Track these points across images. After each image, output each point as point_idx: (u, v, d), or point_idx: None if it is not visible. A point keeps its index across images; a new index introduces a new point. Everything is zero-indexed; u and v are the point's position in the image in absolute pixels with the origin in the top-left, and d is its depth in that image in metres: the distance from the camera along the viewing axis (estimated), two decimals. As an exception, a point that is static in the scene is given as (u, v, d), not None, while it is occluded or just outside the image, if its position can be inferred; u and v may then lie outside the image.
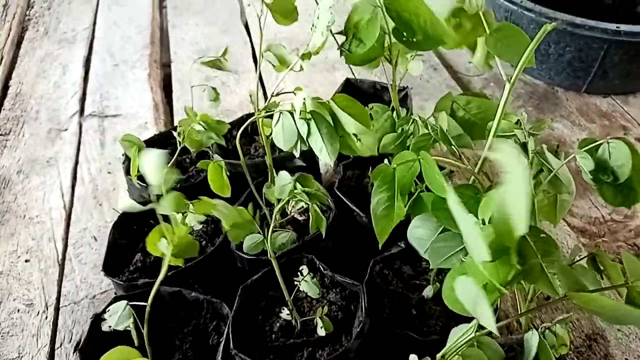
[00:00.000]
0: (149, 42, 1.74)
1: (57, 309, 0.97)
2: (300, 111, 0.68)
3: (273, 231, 0.88)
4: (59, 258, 1.06)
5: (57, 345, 0.92)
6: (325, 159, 0.65)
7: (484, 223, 0.48)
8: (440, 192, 0.55)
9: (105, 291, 1.00)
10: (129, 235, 0.92)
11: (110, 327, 0.62)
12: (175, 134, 0.81)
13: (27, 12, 1.99)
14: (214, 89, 0.93)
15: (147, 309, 0.66)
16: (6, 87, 1.59)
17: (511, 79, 0.54)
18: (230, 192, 0.91)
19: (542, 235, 0.50)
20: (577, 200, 1.16)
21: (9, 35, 1.82)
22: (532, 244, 0.50)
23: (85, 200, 1.19)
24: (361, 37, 0.69)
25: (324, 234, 0.74)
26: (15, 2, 2.02)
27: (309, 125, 0.67)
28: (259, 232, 0.70)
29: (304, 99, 0.68)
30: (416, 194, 0.65)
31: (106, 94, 1.53)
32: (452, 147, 0.63)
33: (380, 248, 0.59)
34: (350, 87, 1.23)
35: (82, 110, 1.47)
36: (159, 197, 0.71)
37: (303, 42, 1.65)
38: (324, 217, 0.70)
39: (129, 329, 0.65)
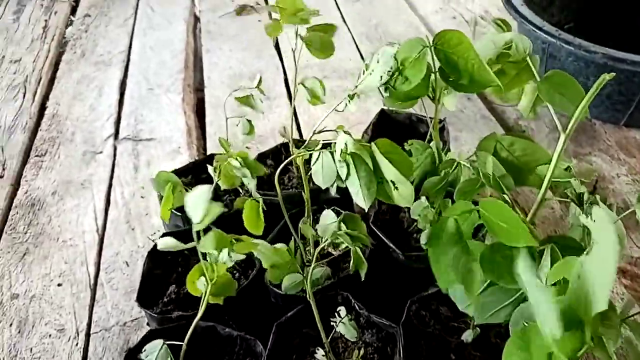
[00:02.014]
0: (183, 66, 1.76)
1: (87, 335, 0.97)
2: (341, 152, 0.67)
3: (308, 267, 0.87)
4: (90, 283, 1.06)
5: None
6: (360, 203, 0.64)
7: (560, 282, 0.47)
8: (510, 239, 0.53)
9: (136, 319, 0.99)
10: (163, 265, 0.91)
11: (147, 366, 0.61)
12: (210, 168, 0.80)
13: (65, 35, 2.04)
14: (249, 121, 0.93)
15: (183, 348, 0.65)
16: (43, 107, 1.63)
17: (566, 128, 0.52)
18: (264, 223, 0.90)
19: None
20: (618, 240, 1.12)
21: (47, 56, 1.87)
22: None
23: (118, 224, 1.20)
24: (407, 75, 0.68)
25: (363, 278, 0.72)
26: (54, 24, 2.08)
27: (348, 167, 0.67)
28: (299, 272, 0.68)
29: (347, 141, 0.67)
30: (463, 241, 0.63)
31: (140, 117, 1.55)
32: (504, 194, 0.61)
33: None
34: (385, 118, 1.22)
35: (116, 133, 1.49)
36: (198, 232, 0.71)
37: (334, 69, 1.66)
38: (365, 261, 0.69)
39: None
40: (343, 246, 0.73)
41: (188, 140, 1.45)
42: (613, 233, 0.33)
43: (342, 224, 0.67)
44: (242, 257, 0.71)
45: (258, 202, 0.74)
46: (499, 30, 0.72)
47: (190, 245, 0.70)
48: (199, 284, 0.65)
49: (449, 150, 1.22)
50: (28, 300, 1.04)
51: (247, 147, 1.43)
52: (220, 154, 0.89)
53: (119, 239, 1.16)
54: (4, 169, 1.38)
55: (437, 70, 0.69)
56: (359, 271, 0.84)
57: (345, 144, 0.68)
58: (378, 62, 0.72)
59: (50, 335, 0.97)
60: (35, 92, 1.68)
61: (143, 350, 0.64)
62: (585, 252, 0.35)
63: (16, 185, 1.33)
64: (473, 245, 0.62)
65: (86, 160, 1.40)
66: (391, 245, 0.90)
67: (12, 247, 1.16)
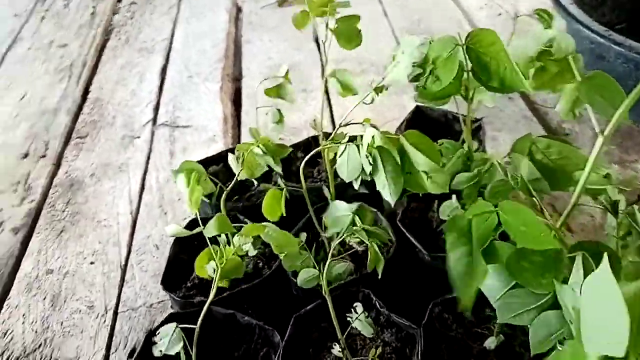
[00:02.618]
0: (223, 55, 1.78)
1: (115, 314, 1.00)
2: (368, 145, 0.66)
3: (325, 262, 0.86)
4: (121, 263, 1.09)
5: (112, 350, 0.94)
6: (387, 197, 0.62)
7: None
8: (531, 243, 0.51)
9: (162, 301, 1.01)
10: (190, 250, 0.93)
11: (161, 351, 0.62)
12: (231, 158, 0.81)
13: (112, 21, 2.09)
14: (278, 110, 0.93)
15: (196, 332, 0.66)
16: (87, 91, 1.68)
17: (604, 131, 0.50)
18: (289, 216, 0.90)
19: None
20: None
21: (93, 42, 1.92)
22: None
23: (151, 208, 1.22)
24: (438, 74, 0.66)
25: (380, 275, 0.71)
26: (102, 11, 2.13)
27: (374, 161, 0.65)
28: (314, 266, 0.68)
29: (374, 134, 0.66)
30: (488, 241, 0.61)
31: (179, 105, 1.57)
32: (534, 197, 0.59)
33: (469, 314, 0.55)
34: (419, 115, 1.20)
35: (155, 119, 1.52)
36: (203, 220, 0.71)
37: (372, 63, 1.64)
38: (382, 258, 0.68)
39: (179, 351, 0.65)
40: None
41: (224, 128, 1.46)
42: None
43: (356, 218, 0.66)
44: (251, 240, 0.71)
45: (281, 190, 0.73)
46: (542, 21, 0.69)
47: (196, 230, 0.71)
48: (208, 268, 0.66)
49: (484, 150, 1.19)
50: (62, 276, 1.08)
51: (280, 139, 1.44)
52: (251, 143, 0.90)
53: (151, 223, 1.18)
54: (46, 149, 1.44)
55: (469, 69, 0.67)
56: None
57: (372, 137, 0.67)
58: (403, 52, 0.71)
59: (80, 311, 1.00)
60: (80, 76, 1.73)
61: (157, 332, 0.65)
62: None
63: (57, 165, 1.38)
64: (500, 247, 0.60)
65: (124, 144, 1.43)
66: (417, 244, 0.88)
67: (50, 224, 1.20)
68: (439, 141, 0.81)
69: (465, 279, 0.50)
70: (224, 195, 0.82)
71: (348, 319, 0.73)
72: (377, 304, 0.80)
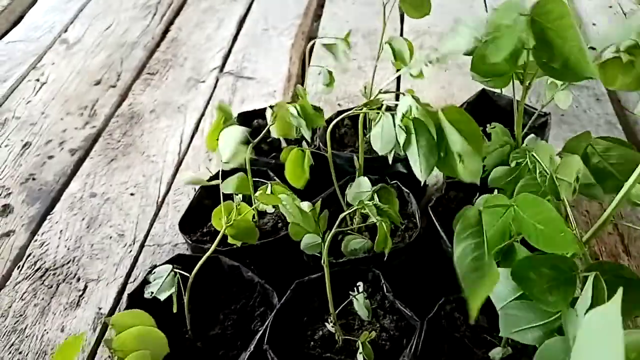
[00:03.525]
0: (302, 12, 1.75)
1: (142, 246, 1.03)
2: (403, 116, 0.61)
3: (347, 234, 0.83)
4: (158, 200, 1.12)
5: (130, 279, 0.97)
6: (417, 174, 0.57)
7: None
8: (546, 244, 0.45)
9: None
10: (215, 196, 0.92)
11: (152, 293, 0.62)
12: (269, 112, 0.78)
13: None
14: (329, 72, 0.89)
15: (190, 279, 0.66)
16: (167, 30, 1.72)
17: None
18: (320, 184, 0.87)
19: None
20: None
21: (184, -17, 1.95)
22: None
23: (198, 152, 1.24)
24: (498, 44, 0.59)
25: (386, 257, 0.67)
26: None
27: (408, 133, 0.60)
28: (320, 235, 0.65)
29: (412, 104, 0.61)
30: (508, 242, 0.55)
31: (248, 56, 1.57)
32: (560, 201, 0.52)
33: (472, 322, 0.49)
34: (485, 99, 1.11)
35: (222, 67, 1.53)
36: (224, 173, 0.70)
37: (454, 41, 1.53)
38: (390, 240, 0.63)
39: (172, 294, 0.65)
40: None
41: (286, 85, 1.44)
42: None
43: (375, 196, 0.62)
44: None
45: (304, 152, 0.70)
46: None
47: (214, 182, 0.69)
48: (222, 222, 0.65)
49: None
50: (103, 201, 1.12)
51: (338, 105, 1.40)
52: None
53: (195, 166, 1.20)
54: (118, 79, 1.49)
55: (530, 46, 0.59)
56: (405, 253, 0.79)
57: (409, 107, 0.62)
58: (468, 24, 0.64)
59: (110, 237, 1.04)
60: (164, 15, 1.77)
61: (153, 271, 0.65)
62: None
63: (124, 97, 1.43)
64: (521, 251, 0.53)
65: (189, 87, 1.46)
66: (443, 235, 0.82)
67: (104, 150, 1.25)
68: (490, 124, 0.74)
69: (473, 277, 0.45)
70: (249, 148, 0.80)
71: (350, 296, 0.70)
72: (385, 287, 0.76)
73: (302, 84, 1.49)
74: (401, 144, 0.61)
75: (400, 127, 0.62)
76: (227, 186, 0.67)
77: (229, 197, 0.77)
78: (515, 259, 0.54)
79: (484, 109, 1.09)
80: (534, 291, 0.49)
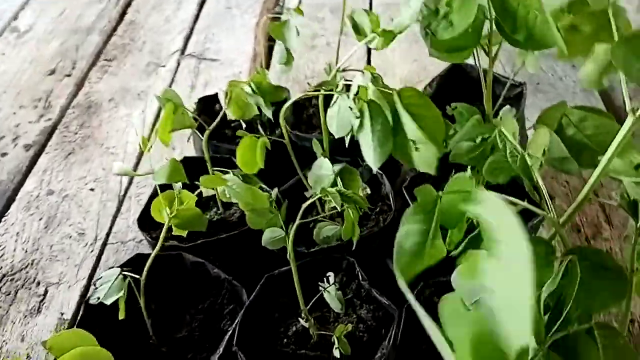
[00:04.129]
0: (266, -12, 1.67)
1: (104, 244, 0.97)
2: (356, 98, 0.56)
3: (319, 221, 0.78)
4: (120, 194, 1.06)
5: (93, 280, 0.92)
6: (369, 161, 0.53)
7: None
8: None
9: (152, 238, 0.97)
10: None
11: (98, 299, 0.57)
12: (221, 94, 0.73)
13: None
14: (287, 50, 0.83)
15: (142, 282, 0.61)
16: (124, 13, 1.63)
17: (637, 110, 0.38)
18: (285, 169, 0.82)
19: (619, 340, 0.35)
20: None
21: (141, -37, 1.85)
22: (600, 350, 0.35)
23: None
24: (453, 19, 0.54)
25: (354, 246, 0.63)
26: None
27: (362, 116, 0.55)
28: (282, 227, 0.60)
29: (365, 84, 0.56)
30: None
31: (211, 36, 1.50)
32: (532, 182, 0.48)
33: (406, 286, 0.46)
34: (457, 72, 1.06)
35: (184, 49, 1.45)
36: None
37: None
38: (357, 227, 0.59)
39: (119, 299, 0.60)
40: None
41: (251, 66, 1.38)
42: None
43: (338, 179, 0.57)
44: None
45: (258, 138, 0.65)
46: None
47: (145, 173, 0.64)
48: (164, 214, 0.60)
49: (523, 122, 1.05)
50: (61, 198, 1.06)
51: (307, 84, 1.34)
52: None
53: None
54: (73, 68, 1.41)
55: (492, 17, 0.54)
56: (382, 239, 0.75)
57: (363, 88, 0.57)
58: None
59: (70, 237, 0.98)
60: (120, -3, 1.68)
61: (100, 276, 0.60)
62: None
63: (79, 86, 1.35)
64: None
65: (148, 72, 1.38)
66: (419, 216, 0.78)
67: (61, 144, 1.18)
68: (451, 105, 0.69)
69: (412, 259, 0.41)
70: (205, 135, 0.75)
71: (320, 288, 0.66)
72: (360, 275, 0.72)
73: (269, 63, 1.43)
74: (355, 128, 0.57)
75: (352, 109, 0.57)
76: (159, 176, 0.62)
77: (191, 187, 0.72)
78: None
79: (457, 82, 1.05)
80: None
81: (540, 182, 0.47)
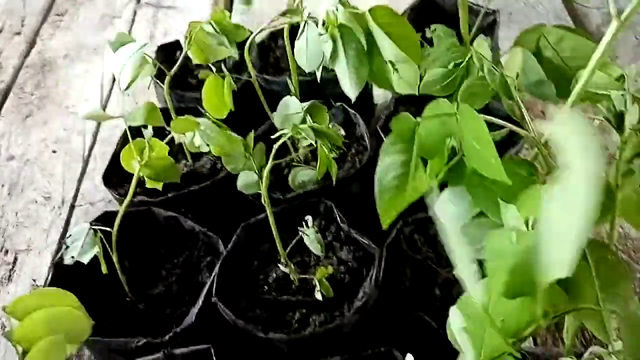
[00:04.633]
0: None
1: (72, 207, 0.93)
2: (325, 23, 0.52)
3: (293, 166, 0.76)
4: (84, 154, 1.01)
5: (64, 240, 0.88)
6: (347, 89, 0.50)
7: (527, 225, 0.33)
8: (481, 166, 0.39)
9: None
10: (142, 143, 0.83)
11: (72, 257, 0.54)
12: (182, 40, 0.68)
13: None
14: (248, -15, 0.77)
15: (114, 236, 0.58)
16: (72, -37, 1.52)
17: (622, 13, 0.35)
18: (254, 115, 0.78)
19: (610, 256, 0.33)
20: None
21: None
22: (591, 267, 0.34)
23: (122, 96, 1.12)
24: None
25: (334, 182, 0.60)
26: None
27: (335, 43, 0.52)
28: (256, 171, 0.57)
29: (332, 7, 0.52)
30: (458, 157, 0.49)
31: (167, -18, 1.41)
32: (515, 101, 0.45)
33: (385, 228, 0.44)
34: (429, 3, 1.02)
35: (139, -2, 1.37)
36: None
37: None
38: (334, 162, 0.56)
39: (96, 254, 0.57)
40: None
41: (213, 11, 1.30)
42: (591, 153, 0.19)
43: (307, 117, 0.54)
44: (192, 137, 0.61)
45: (223, 79, 0.61)
46: None
47: (117, 116, 0.60)
48: (134, 164, 0.56)
49: (496, 50, 1.02)
50: (22, 163, 1.01)
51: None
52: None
53: (121, 111, 1.08)
54: (22, 26, 1.32)
55: None
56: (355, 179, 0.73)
57: (333, 12, 0.53)
58: None
59: (36, 202, 0.94)
60: (66, -54, 1.56)
61: (68, 235, 0.57)
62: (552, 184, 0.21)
63: (31, 44, 1.27)
64: (470, 164, 0.48)
65: (104, 24, 1.30)
66: (395, 154, 0.76)
67: (17, 107, 1.12)
68: (430, 26, 0.65)
69: (394, 194, 0.40)
70: (167, 81, 0.70)
71: (300, 232, 0.64)
72: (338, 218, 0.70)
73: (230, 7, 1.36)
74: (327, 56, 0.53)
75: (324, 36, 0.53)
76: (134, 118, 0.58)
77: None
78: (464, 173, 0.48)
79: (429, 14, 1.00)
80: (489, 204, 0.43)
81: (520, 102, 0.45)
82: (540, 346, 0.70)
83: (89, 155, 1.01)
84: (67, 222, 0.91)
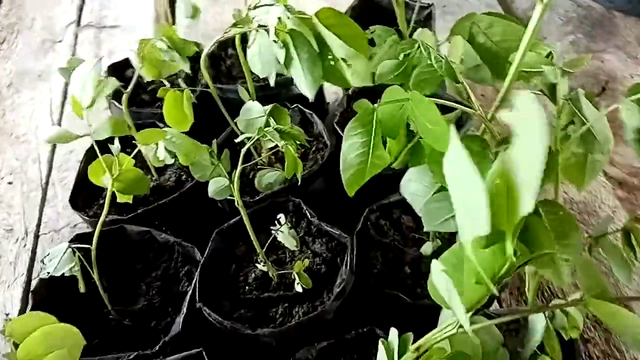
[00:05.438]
0: (155, -56, 1.57)
1: (36, 237, 0.92)
2: (277, 30, 0.55)
3: (258, 169, 0.78)
4: (42, 182, 1.00)
5: (34, 275, 0.87)
6: (304, 91, 0.53)
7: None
8: (436, 143, 0.43)
9: (87, 220, 0.93)
10: (104, 163, 0.83)
11: (48, 273, 0.55)
12: (133, 55, 0.69)
13: None
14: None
15: (93, 252, 0.59)
16: (2, -9, 1.48)
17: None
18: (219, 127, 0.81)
19: (560, 212, 0.38)
20: (617, 146, 1.00)
21: None
22: (545, 222, 0.39)
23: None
24: None
25: (299, 180, 0.63)
26: None
27: (287, 48, 0.55)
28: (226, 176, 0.59)
29: (281, 14, 0.55)
30: (415, 139, 0.53)
31: (106, 3, 1.40)
32: (460, 84, 0.50)
33: (351, 196, 0.48)
34: (367, 2, 1.07)
35: (79, 20, 1.35)
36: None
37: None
38: (299, 161, 0.60)
39: (75, 273, 0.58)
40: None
41: (156, 28, 1.31)
42: (539, 118, 0.23)
43: (271, 120, 0.57)
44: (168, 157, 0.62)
45: (182, 92, 0.63)
46: None
47: (83, 134, 0.61)
48: (104, 180, 0.58)
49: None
50: (-23, 198, 0.98)
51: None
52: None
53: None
54: (-43, 58, 1.28)
55: None
56: (322, 177, 0.76)
57: (281, 19, 0.56)
58: None
59: (-2, 235, 0.92)
60: (-7, -27, 1.52)
61: (46, 254, 0.57)
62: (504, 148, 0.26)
63: (-30, 76, 1.24)
64: (427, 147, 0.52)
65: (45, 50, 1.28)
66: (354, 147, 0.80)
67: (-37, 142, 1.09)
68: (370, 28, 0.70)
69: (356, 170, 0.44)
70: (124, 98, 0.72)
71: (272, 231, 0.67)
72: (308, 213, 0.73)
73: (173, 23, 1.37)
74: (281, 61, 0.57)
75: (277, 42, 0.57)
76: (100, 132, 0.59)
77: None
78: (422, 153, 0.53)
79: (368, 12, 1.05)
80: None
81: (465, 84, 0.50)
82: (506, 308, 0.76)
83: (47, 182, 1.00)
84: (34, 252, 0.90)
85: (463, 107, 0.44)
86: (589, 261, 0.40)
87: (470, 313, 0.35)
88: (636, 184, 0.96)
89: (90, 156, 0.82)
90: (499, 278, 0.32)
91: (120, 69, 0.96)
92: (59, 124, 1.10)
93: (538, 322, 0.53)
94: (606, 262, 0.58)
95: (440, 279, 0.34)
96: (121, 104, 0.83)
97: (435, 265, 0.35)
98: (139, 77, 0.86)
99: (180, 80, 0.91)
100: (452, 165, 0.28)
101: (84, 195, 0.78)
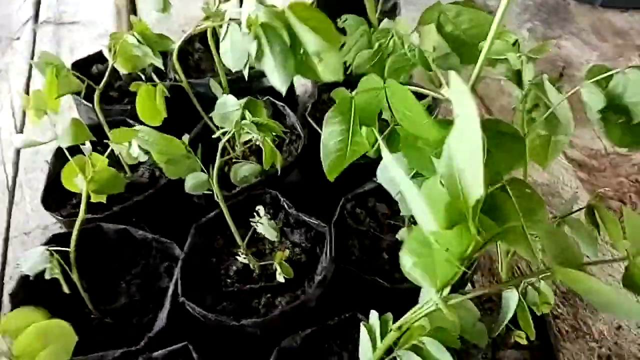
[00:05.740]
0: (112, -64, 1.53)
1: (6, 240, 0.90)
2: (249, 24, 0.56)
3: (233, 163, 0.79)
4: (8, 184, 0.97)
5: (6, 278, 0.85)
6: (276, 84, 0.53)
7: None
8: (412, 128, 0.45)
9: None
10: (74, 163, 0.82)
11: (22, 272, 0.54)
12: (104, 49, 0.68)
13: None
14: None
15: (72, 253, 0.58)
16: (-48, -13, 1.42)
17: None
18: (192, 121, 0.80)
19: (526, 190, 0.41)
20: (577, 129, 1.05)
21: None
22: (513, 200, 0.41)
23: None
24: None
25: (279, 171, 0.64)
26: None
27: (259, 42, 0.55)
28: (202, 170, 0.60)
29: (253, 8, 0.56)
30: (391, 127, 0.55)
31: (64, -2, 1.36)
32: (432, 72, 0.52)
33: (332, 181, 0.50)
34: (333, -6, 1.07)
35: (36, 17, 1.31)
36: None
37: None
38: (278, 152, 0.60)
39: (56, 275, 0.58)
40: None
41: (117, 22, 1.28)
42: (470, 100, 0.25)
43: (247, 113, 0.57)
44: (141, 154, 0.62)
45: (155, 86, 0.63)
46: None
47: (49, 140, 0.61)
48: (77, 181, 0.57)
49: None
50: (-61, 203, 0.95)
51: (182, 32, 1.28)
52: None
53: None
54: None
55: None
56: (295, 168, 0.77)
57: (253, 12, 0.57)
58: None
59: (-36, 241, 0.90)
60: (-59, -31, 1.46)
61: (23, 258, 0.56)
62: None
63: None
64: (402, 131, 0.54)
65: (2, 48, 1.24)
66: (327, 138, 0.81)
67: None
68: (341, 17, 0.71)
69: (337, 157, 0.46)
70: (96, 95, 0.71)
71: (252, 224, 0.67)
72: (285, 205, 0.74)
73: (135, 16, 1.34)
74: (253, 56, 0.57)
75: (249, 36, 0.57)
76: (64, 139, 0.58)
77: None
78: (398, 140, 0.54)
79: (336, 3, 1.06)
80: (423, 162, 0.50)
81: (438, 71, 0.52)
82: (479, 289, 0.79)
83: (14, 184, 0.97)
84: (4, 256, 0.88)
85: (433, 93, 0.46)
86: (556, 230, 0.43)
87: (446, 291, 0.36)
88: (595, 166, 1.01)
89: (59, 156, 0.80)
90: (468, 255, 0.33)
91: (86, 65, 0.94)
92: (23, 124, 1.07)
93: (511, 299, 0.56)
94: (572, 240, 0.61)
95: (408, 265, 0.35)
96: (87, 101, 0.82)
97: (403, 257, 0.36)
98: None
99: (145, 75, 0.90)
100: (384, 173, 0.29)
101: (55, 195, 0.77)
